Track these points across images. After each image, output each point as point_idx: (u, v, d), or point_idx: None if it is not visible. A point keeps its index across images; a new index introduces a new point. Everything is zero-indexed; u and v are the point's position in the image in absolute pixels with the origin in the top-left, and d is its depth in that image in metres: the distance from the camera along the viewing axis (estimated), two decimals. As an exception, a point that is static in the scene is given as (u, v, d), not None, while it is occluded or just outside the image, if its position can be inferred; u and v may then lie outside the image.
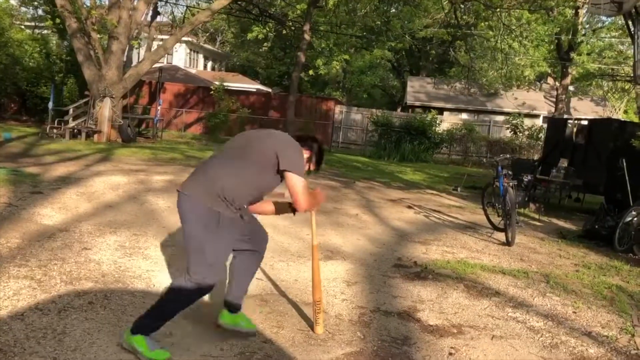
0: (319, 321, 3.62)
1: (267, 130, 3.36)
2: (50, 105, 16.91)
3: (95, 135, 15.39)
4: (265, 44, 23.53)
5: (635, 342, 3.92)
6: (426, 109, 27.80)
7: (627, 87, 28.97)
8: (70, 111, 16.34)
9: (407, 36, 28.04)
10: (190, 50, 40.17)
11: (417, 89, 31.63)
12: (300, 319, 3.84)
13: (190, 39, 37.33)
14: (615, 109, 31.67)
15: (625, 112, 34.12)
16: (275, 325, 3.69)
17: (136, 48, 25.46)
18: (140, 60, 19.91)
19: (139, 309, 3.70)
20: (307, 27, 21.25)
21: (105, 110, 15.37)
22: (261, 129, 3.51)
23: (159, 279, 4.36)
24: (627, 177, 8.86)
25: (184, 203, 3.03)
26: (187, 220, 3.02)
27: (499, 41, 19.77)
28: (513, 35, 19.78)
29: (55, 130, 15.57)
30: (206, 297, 4.09)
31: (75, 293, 3.83)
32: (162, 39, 24.30)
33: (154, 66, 18.62)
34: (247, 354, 3.20)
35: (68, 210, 6.15)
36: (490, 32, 20.89)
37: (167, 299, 3.07)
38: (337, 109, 26.22)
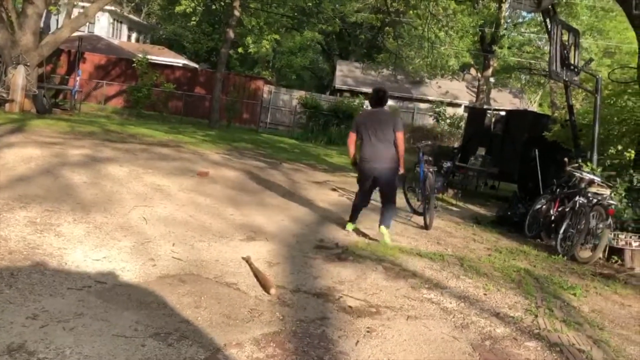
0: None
1: None
2: (-44, 70, 15.73)
3: (7, 105, 14.45)
4: (193, 18, 22.82)
5: (537, 322, 4.16)
6: (354, 93, 28.06)
7: (542, 81, 30.46)
8: (-21, 78, 15.26)
9: (337, 19, 28.09)
10: (114, 20, 38.44)
11: (346, 73, 31.85)
12: (219, 300, 3.80)
13: (113, 7, 35.69)
14: (531, 102, 33.28)
15: (540, 104, 35.95)
16: (193, 305, 3.63)
17: (55, 14, 24.03)
18: (59, 27, 18.82)
19: (48, 287, 3.54)
20: (236, 3, 20.81)
21: (18, 78, 14.45)
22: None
23: (72, 257, 4.18)
24: (538, 167, 9.33)
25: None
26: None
27: (426, 30, 20.16)
28: (440, 25, 20.20)
29: (-39, 98, 14.52)
30: (124, 277, 3.97)
31: (-22, 271, 3.61)
32: (83, 6, 23.07)
33: (74, 34, 17.68)
34: (162, 335, 3.13)
35: (-27, 183, 5.77)
36: (418, 21, 21.27)
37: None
38: (266, 88, 25.96)
